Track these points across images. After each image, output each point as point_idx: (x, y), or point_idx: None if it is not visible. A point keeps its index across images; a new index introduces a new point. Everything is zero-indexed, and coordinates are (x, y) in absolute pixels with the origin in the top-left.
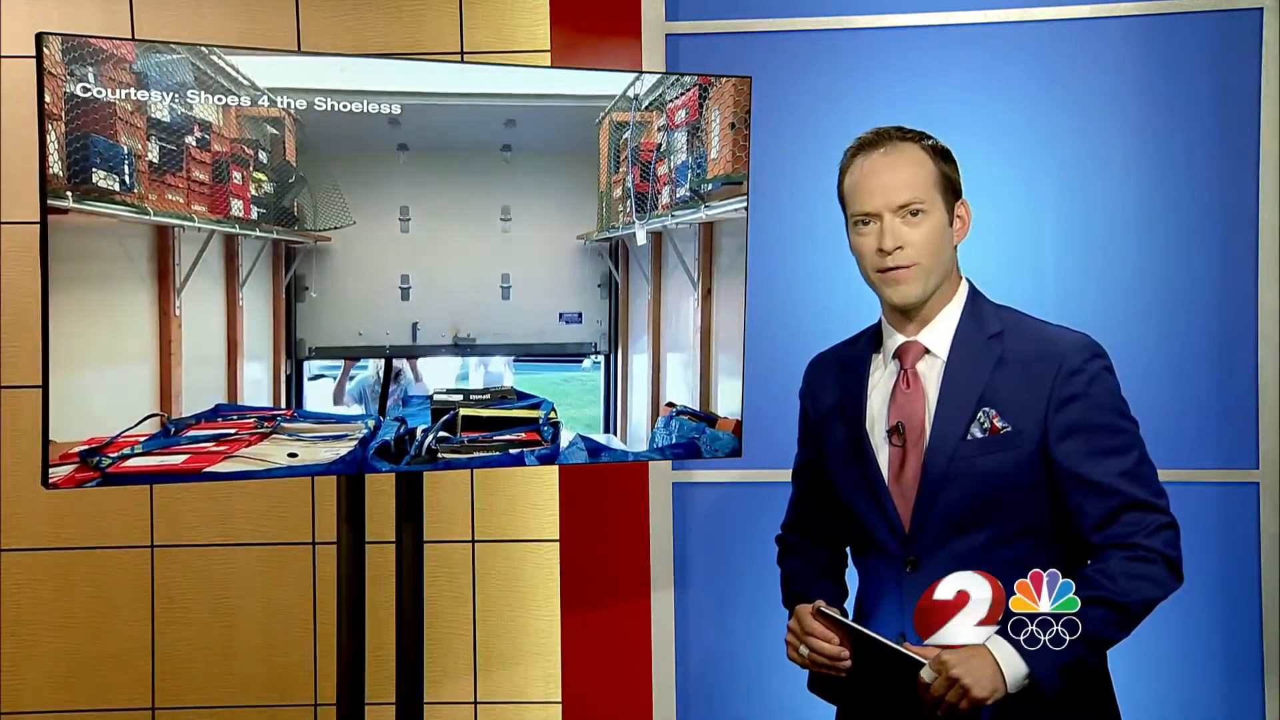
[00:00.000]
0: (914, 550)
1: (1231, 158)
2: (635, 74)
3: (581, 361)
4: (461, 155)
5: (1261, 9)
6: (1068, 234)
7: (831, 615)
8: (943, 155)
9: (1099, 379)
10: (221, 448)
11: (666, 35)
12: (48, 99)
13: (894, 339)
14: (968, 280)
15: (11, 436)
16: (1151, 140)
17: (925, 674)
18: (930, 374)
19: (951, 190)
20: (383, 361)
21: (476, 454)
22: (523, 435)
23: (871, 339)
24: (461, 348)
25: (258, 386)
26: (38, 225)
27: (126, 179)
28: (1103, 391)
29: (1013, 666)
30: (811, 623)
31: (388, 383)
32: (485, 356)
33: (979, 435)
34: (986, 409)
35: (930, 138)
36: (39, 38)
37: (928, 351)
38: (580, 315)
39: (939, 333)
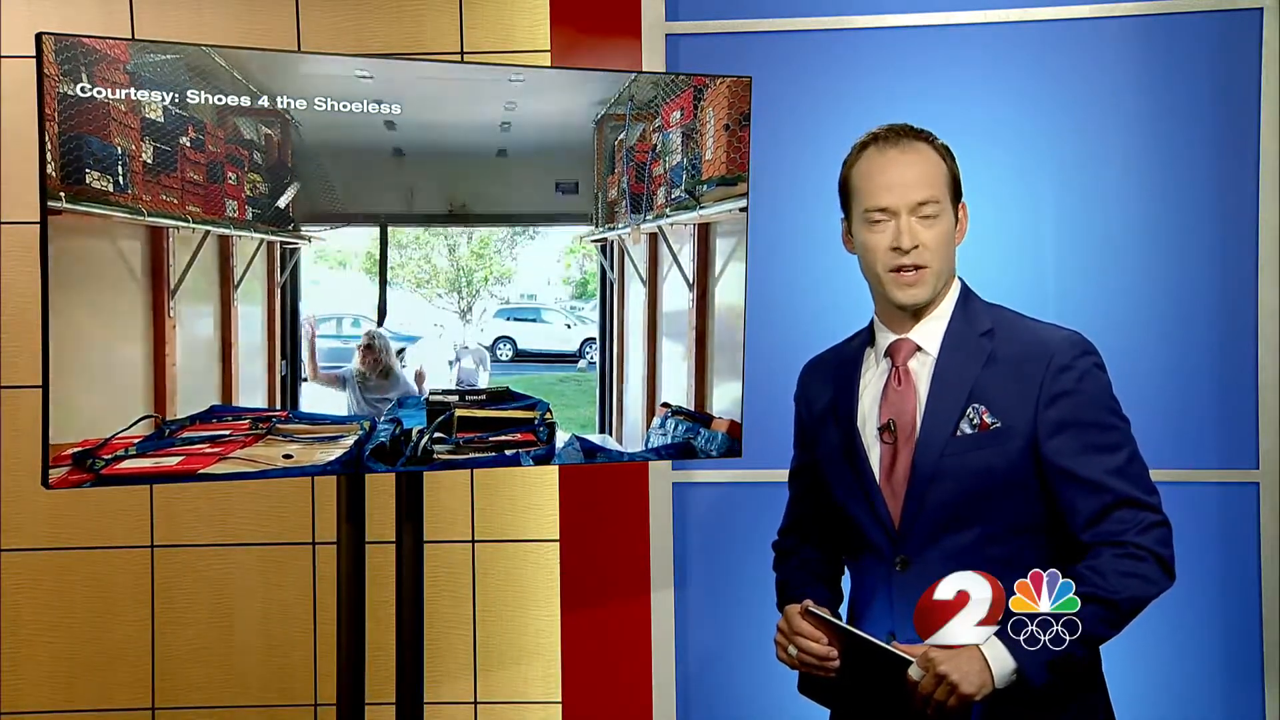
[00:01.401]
0: (904, 548)
1: (1231, 158)
2: (633, 74)
3: (577, 362)
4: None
5: (1261, 9)
6: (1067, 234)
7: (820, 615)
8: (949, 155)
9: (1089, 376)
10: (216, 449)
11: (666, 35)
12: None
13: (886, 336)
14: (960, 278)
15: (11, 436)
16: (1151, 140)
17: (913, 672)
18: (922, 371)
19: (957, 191)
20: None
21: (472, 455)
22: (518, 436)
23: (864, 339)
24: (457, 217)
25: (253, 387)
26: (37, 225)
27: (120, 180)
28: (1093, 388)
29: (1000, 662)
30: (799, 622)
31: (384, 252)
32: (480, 227)
33: (968, 431)
34: (976, 405)
35: (937, 137)
36: (39, 38)
37: (919, 349)
38: (577, 185)
39: (930, 330)
